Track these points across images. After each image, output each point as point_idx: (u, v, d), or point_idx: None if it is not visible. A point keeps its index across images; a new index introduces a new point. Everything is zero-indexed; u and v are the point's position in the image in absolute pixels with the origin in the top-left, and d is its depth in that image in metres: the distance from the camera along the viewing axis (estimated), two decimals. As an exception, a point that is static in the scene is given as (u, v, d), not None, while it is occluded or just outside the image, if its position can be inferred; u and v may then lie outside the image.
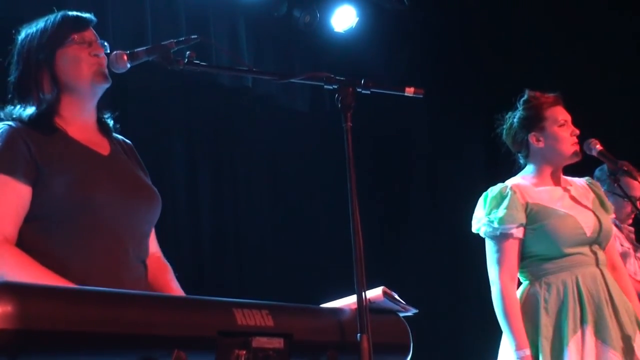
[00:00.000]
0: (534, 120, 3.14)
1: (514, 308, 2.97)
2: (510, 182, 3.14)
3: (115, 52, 2.12)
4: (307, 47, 5.42)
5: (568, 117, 3.15)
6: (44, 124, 2.11)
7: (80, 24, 2.19)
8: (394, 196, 5.98)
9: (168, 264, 2.33)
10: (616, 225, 4.04)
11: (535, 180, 3.14)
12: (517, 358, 2.89)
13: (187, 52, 2.07)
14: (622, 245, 4.06)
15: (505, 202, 3.03)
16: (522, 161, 3.23)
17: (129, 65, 2.10)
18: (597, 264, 3.03)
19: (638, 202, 4.01)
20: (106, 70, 2.17)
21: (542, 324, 2.94)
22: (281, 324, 1.76)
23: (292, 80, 2.21)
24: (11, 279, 1.80)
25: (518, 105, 3.21)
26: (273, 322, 1.74)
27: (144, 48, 2.11)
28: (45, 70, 2.14)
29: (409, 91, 2.14)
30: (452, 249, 5.59)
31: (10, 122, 2.09)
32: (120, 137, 2.33)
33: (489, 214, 3.05)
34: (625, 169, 3.21)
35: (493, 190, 3.10)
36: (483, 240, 3.11)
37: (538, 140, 3.13)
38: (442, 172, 6.00)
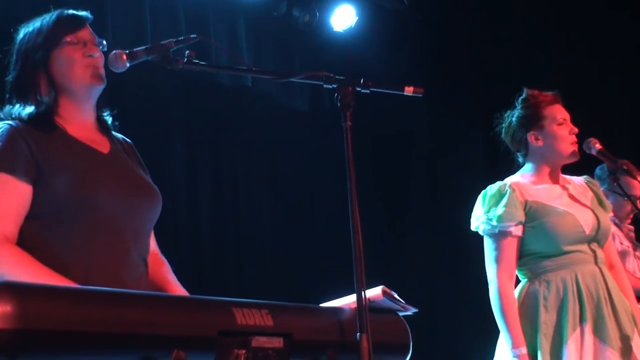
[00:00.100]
0: (533, 119, 3.14)
1: (511, 306, 2.97)
2: (509, 180, 3.14)
3: (114, 51, 2.11)
4: (306, 47, 5.42)
5: (567, 116, 3.15)
6: (44, 122, 2.11)
7: (75, 24, 2.18)
8: (393, 195, 5.98)
9: (165, 260, 2.33)
10: (616, 224, 4.05)
11: (534, 179, 3.14)
12: (514, 356, 2.89)
13: (187, 52, 2.06)
14: (621, 243, 4.06)
15: (504, 200, 3.03)
16: (520, 160, 3.23)
17: (128, 65, 2.09)
18: (596, 262, 3.03)
19: (638, 201, 4.02)
20: (101, 71, 2.16)
21: (542, 321, 2.94)
22: (281, 323, 1.76)
23: (292, 79, 2.21)
24: (11, 279, 1.79)
25: (516, 104, 3.21)
26: (273, 322, 1.74)
27: (143, 47, 2.10)
28: (42, 72, 2.14)
29: (409, 90, 2.14)
30: (452, 248, 5.58)
31: (10, 122, 2.09)
32: (120, 135, 2.33)
33: (488, 211, 3.05)
34: (625, 168, 3.21)
35: (492, 188, 3.10)
36: (482, 239, 3.11)
37: (537, 139, 3.13)
38: (441, 172, 6.00)
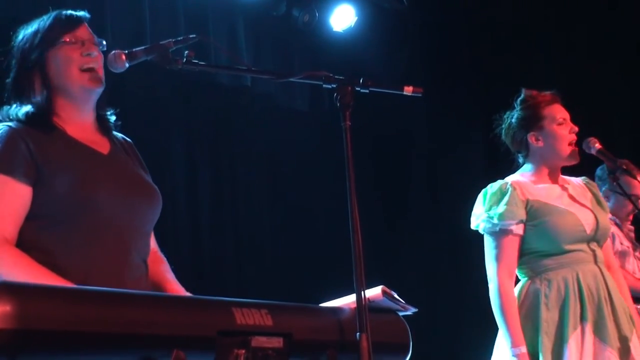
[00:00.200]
0: (533, 120, 3.14)
1: (511, 305, 2.97)
2: (510, 178, 3.14)
3: (113, 51, 2.11)
4: (306, 47, 5.42)
5: (566, 115, 3.15)
6: (42, 123, 2.10)
7: (72, 23, 2.17)
8: (393, 195, 5.98)
9: (164, 258, 2.33)
10: (616, 224, 4.05)
11: (534, 178, 3.14)
12: (513, 355, 2.89)
13: (186, 52, 2.06)
14: (621, 243, 4.06)
15: (506, 199, 3.03)
16: (521, 160, 3.23)
17: (127, 65, 2.09)
18: (596, 262, 3.03)
19: (638, 201, 4.01)
20: (100, 74, 2.15)
21: (543, 319, 2.94)
22: (280, 323, 1.76)
23: (291, 79, 2.21)
24: (10, 280, 1.79)
25: (515, 105, 3.21)
26: (272, 322, 1.74)
27: (143, 47, 2.10)
28: (37, 72, 2.13)
29: (408, 90, 2.14)
30: (452, 248, 5.58)
31: (9, 123, 2.09)
32: (120, 135, 2.33)
33: (489, 210, 3.05)
34: (625, 167, 3.22)
35: (493, 187, 3.10)
36: (482, 238, 3.11)
37: (537, 140, 3.13)
38: (441, 172, 5.99)
